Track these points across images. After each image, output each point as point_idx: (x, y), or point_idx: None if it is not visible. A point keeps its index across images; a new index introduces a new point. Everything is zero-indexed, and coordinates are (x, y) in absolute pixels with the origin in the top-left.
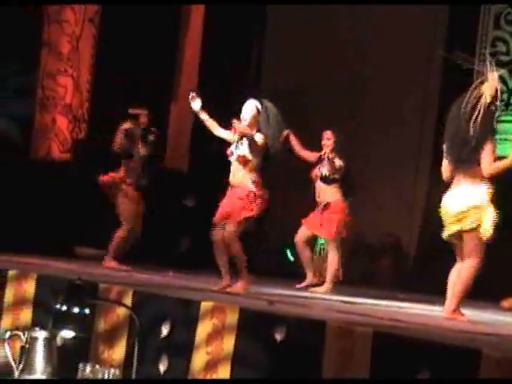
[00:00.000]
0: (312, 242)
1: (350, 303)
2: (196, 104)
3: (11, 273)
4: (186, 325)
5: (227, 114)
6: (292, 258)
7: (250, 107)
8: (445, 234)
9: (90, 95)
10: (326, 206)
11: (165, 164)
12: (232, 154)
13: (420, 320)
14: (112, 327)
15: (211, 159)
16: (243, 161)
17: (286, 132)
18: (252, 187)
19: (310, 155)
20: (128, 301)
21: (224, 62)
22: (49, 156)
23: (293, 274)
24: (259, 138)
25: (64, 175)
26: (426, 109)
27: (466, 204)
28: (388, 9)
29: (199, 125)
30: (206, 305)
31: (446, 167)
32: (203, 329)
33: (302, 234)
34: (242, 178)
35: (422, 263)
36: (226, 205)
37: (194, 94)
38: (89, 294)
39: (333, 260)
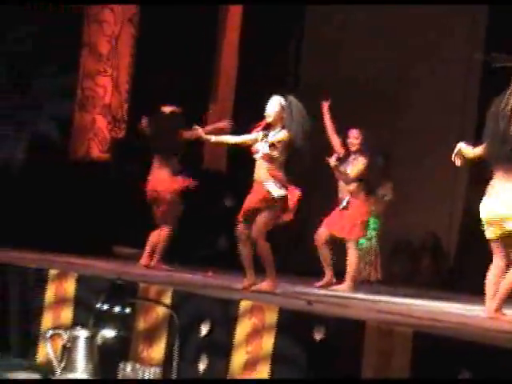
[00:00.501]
0: (331, 241)
1: (390, 303)
2: (199, 132)
3: (52, 272)
4: (226, 324)
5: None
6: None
7: (274, 103)
8: (488, 235)
9: (129, 95)
10: (347, 204)
11: (203, 164)
12: (257, 151)
13: (460, 320)
14: (152, 326)
15: (249, 159)
16: (267, 158)
17: (324, 103)
18: (272, 187)
19: (337, 144)
20: (167, 300)
21: (262, 62)
22: (88, 156)
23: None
24: (283, 134)
25: (103, 175)
26: (466, 110)
27: (509, 205)
28: (427, 9)
29: None
30: (245, 304)
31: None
32: (242, 328)
33: (322, 233)
34: (263, 175)
35: (461, 262)
36: (249, 201)
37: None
38: (129, 293)
39: (352, 259)
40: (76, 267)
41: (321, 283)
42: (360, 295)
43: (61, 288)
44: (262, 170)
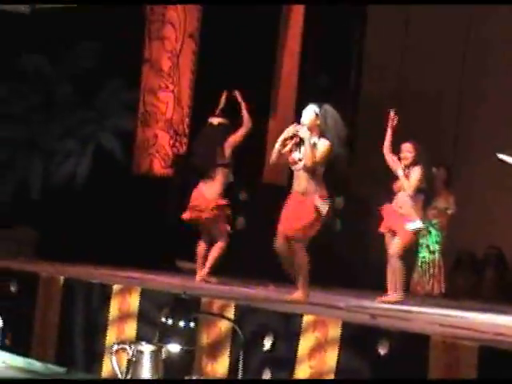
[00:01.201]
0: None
1: (454, 317)
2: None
3: (116, 287)
4: (289, 338)
5: None
6: None
7: (309, 112)
8: None
9: (190, 110)
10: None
11: (263, 178)
12: (295, 161)
13: None
14: (215, 340)
15: None
16: (308, 168)
17: (391, 113)
18: (319, 202)
19: (393, 162)
20: (230, 314)
21: (324, 72)
22: (151, 171)
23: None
24: (322, 143)
25: (165, 190)
26: None
27: None
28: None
29: None
30: (308, 318)
31: None
32: (306, 342)
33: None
34: (307, 187)
35: None
36: (289, 213)
37: None
38: (193, 307)
39: (398, 269)
40: (139, 282)
41: (383, 298)
42: (424, 309)
43: (125, 303)
44: (304, 182)
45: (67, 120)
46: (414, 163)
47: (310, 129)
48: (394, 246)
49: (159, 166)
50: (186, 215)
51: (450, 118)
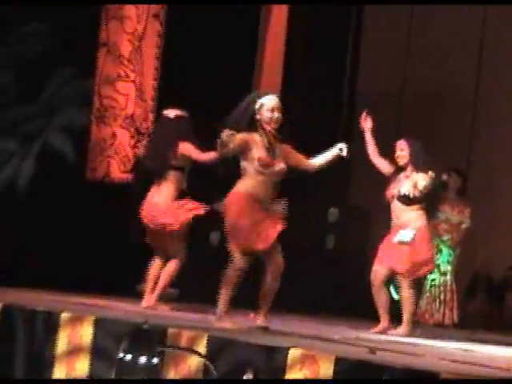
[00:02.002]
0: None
1: (468, 351)
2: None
3: (64, 315)
4: (272, 376)
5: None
6: (396, 297)
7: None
8: None
9: (155, 104)
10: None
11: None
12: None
13: None
14: (183, 379)
15: None
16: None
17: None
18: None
19: (383, 165)
20: (202, 348)
21: (313, 63)
22: (108, 177)
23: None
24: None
25: (126, 199)
26: None
27: None
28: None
29: None
30: (295, 352)
31: None
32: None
33: (379, 272)
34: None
35: None
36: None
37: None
38: (157, 340)
39: (408, 298)
40: (93, 309)
41: (375, 329)
42: (433, 341)
43: (75, 334)
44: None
45: (8, 115)
46: (411, 163)
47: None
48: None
49: (118, 171)
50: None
51: (464, 117)
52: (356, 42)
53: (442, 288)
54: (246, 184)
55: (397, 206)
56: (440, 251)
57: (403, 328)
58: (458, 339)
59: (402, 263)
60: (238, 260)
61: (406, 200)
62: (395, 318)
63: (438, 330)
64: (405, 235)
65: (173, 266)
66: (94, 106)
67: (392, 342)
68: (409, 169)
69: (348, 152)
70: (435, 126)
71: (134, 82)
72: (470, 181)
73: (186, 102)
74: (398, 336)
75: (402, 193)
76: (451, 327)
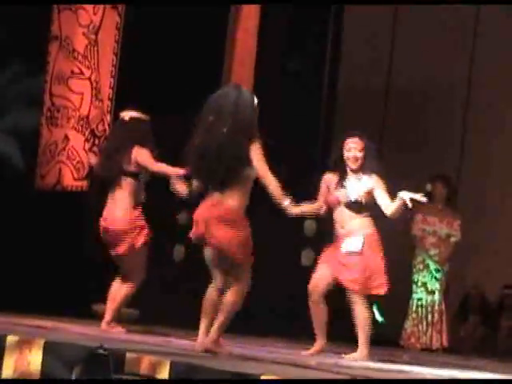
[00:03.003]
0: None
1: (458, 379)
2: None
3: (10, 339)
4: None
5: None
6: (381, 319)
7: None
8: None
9: (112, 104)
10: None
11: None
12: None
13: None
14: None
15: None
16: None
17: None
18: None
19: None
20: (165, 375)
21: (290, 56)
22: (60, 184)
23: (383, 339)
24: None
25: (79, 210)
26: None
27: None
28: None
29: None
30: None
31: None
32: None
33: (321, 283)
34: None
35: None
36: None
37: None
38: (114, 366)
39: (362, 316)
40: (43, 332)
41: (309, 351)
42: (420, 368)
43: (23, 359)
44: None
45: None
46: (362, 164)
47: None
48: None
49: (71, 178)
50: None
51: (454, 116)
52: (337, 34)
53: (429, 308)
54: (245, 197)
55: (344, 213)
56: (426, 267)
57: (360, 352)
58: (449, 365)
59: (351, 275)
60: (248, 279)
61: (357, 206)
62: (383, 342)
63: (426, 355)
64: (353, 244)
65: (130, 285)
66: (45, 105)
67: (375, 369)
68: (360, 172)
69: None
70: (422, 126)
71: (89, 79)
72: (460, 189)
73: (148, 102)
74: (354, 361)
75: (353, 199)
76: (440, 352)
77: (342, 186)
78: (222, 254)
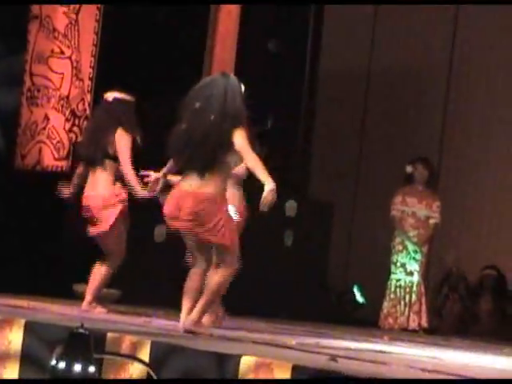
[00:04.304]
0: None
1: (438, 359)
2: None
3: None
4: None
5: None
6: (361, 300)
7: None
8: None
9: (93, 84)
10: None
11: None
12: None
13: None
14: None
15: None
16: None
17: None
18: None
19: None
20: (145, 355)
21: (270, 41)
22: (40, 164)
23: (364, 320)
24: None
25: (59, 190)
26: None
27: None
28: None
29: None
30: (247, 360)
31: None
32: None
33: None
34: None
35: None
36: None
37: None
38: (94, 346)
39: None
40: (24, 312)
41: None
42: (400, 349)
43: (3, 339)
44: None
45: None
46: None
47: None
48: None
49: (51, 158)
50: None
51: (436, 99)
52: (318, 17)
53: (407, 289)
54: (223, 183)
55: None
56: (405, 248)
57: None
58: (429, 345)
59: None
60: (235, 262)
61: None
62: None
63: (406, 335)
64: None
65: (109, 265)
66: (25, 85)
67: (356, 350)
68: None
69: None
70: (404, 110)
71: (69, 59)
72: (441, 172)
73: (129, 82)
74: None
75: None
76: (420, 332)
77: None
78: (206, 241)
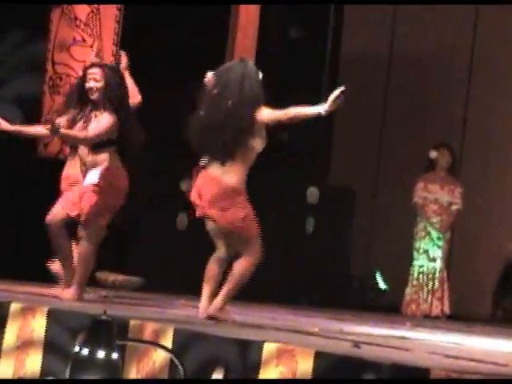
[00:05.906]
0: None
1: (460, 345)
2: None
3: (14, 306)
4: (244, 373)
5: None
6: (384, 286)
7: None
8: None
9: None
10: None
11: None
12: None
13: None
14: (147, 376)
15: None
16: None
17: None
18: None
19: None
20: (168, 342)
21: (291, 27)
22: (62, 153)
23: (387, 306)
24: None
25: None
26: None
27: None
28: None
29: None
30: (270, 347)
31: None
32: (267, 378)
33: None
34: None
35: None
36: None
37: None
38: (117, 333)
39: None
40: (47, 299)
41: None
42: (422, 335)
43: (26, 327)
44: None
45: None
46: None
47: None
48: None
49: None
50: None
51: (459, 84)
52: (339, 3)
53: (430, 275)
54: (245, 172)
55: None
56: (428, 234)
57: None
58: (450, 331)
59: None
60: (258, 251)
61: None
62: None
63: (429, 321)
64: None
65: (83, 251)
66: (47, 74)
67: (379, 336)
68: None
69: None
70: (426, 94)
71: (91, 47)
72: (464, 158)
73: (150, 70)
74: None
75: None
76: (443, 319)
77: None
78: (228, 231)
